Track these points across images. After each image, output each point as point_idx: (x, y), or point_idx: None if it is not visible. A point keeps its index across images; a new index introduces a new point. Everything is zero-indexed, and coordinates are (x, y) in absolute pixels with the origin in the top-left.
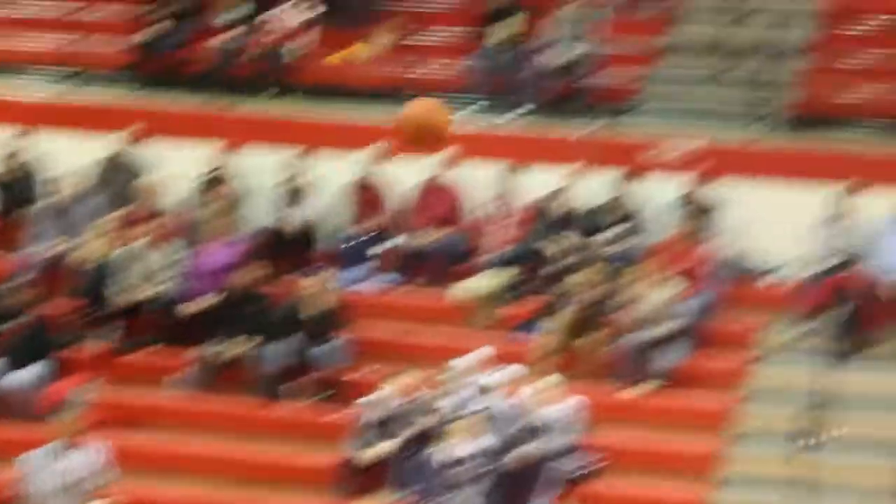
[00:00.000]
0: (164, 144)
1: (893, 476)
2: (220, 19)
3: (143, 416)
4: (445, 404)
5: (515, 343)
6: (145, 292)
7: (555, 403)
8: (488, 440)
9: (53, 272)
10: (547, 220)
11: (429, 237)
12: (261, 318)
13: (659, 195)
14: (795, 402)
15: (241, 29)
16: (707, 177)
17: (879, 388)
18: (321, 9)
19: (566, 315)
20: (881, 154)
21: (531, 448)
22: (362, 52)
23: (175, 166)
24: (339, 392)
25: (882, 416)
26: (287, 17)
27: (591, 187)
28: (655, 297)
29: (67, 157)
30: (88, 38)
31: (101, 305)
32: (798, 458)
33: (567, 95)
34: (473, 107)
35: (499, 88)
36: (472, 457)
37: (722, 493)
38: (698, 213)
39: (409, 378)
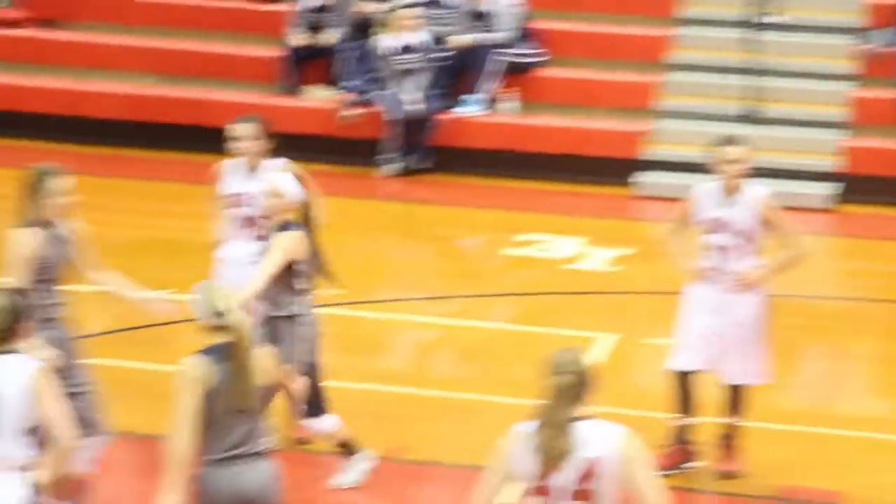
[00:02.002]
0: None
1: (838, 56)
2: None
3: (65, 12)
4: None
5: None
6: None
7: None
8: (426, 34)
9: None
10: None
11: None
12: None
13: None
14: None
15: None
16: None
17: None
18: None
19: None
20: None
21: (469, 37)
22: None
23: None
24: None
25: None
26: None
27: None
28: None
29: None
30: None
31: None
32: (743, 41)
33: None
34: None
35: None
36: (419, 45)
37: (671, 76)
38: None
39: None
